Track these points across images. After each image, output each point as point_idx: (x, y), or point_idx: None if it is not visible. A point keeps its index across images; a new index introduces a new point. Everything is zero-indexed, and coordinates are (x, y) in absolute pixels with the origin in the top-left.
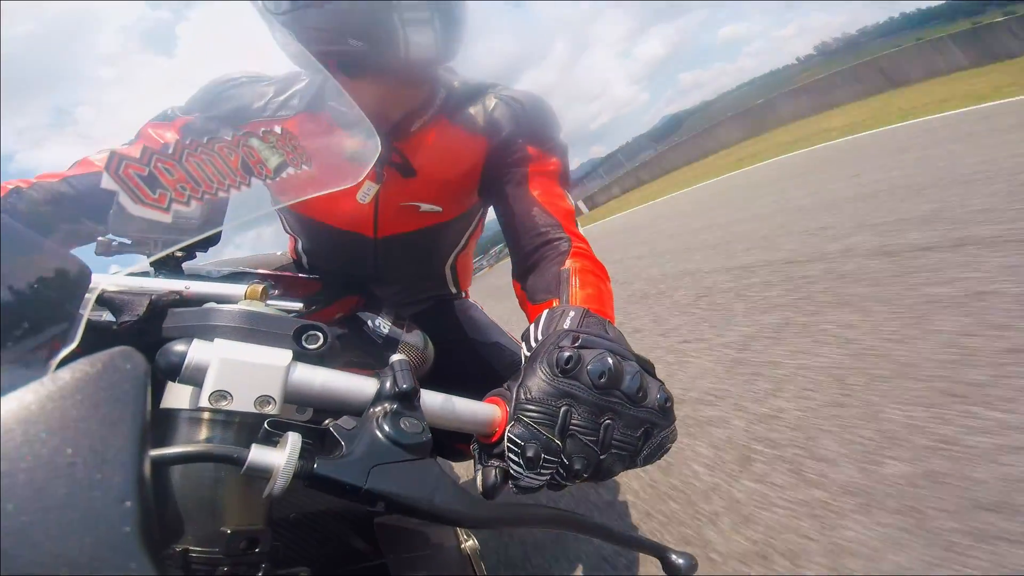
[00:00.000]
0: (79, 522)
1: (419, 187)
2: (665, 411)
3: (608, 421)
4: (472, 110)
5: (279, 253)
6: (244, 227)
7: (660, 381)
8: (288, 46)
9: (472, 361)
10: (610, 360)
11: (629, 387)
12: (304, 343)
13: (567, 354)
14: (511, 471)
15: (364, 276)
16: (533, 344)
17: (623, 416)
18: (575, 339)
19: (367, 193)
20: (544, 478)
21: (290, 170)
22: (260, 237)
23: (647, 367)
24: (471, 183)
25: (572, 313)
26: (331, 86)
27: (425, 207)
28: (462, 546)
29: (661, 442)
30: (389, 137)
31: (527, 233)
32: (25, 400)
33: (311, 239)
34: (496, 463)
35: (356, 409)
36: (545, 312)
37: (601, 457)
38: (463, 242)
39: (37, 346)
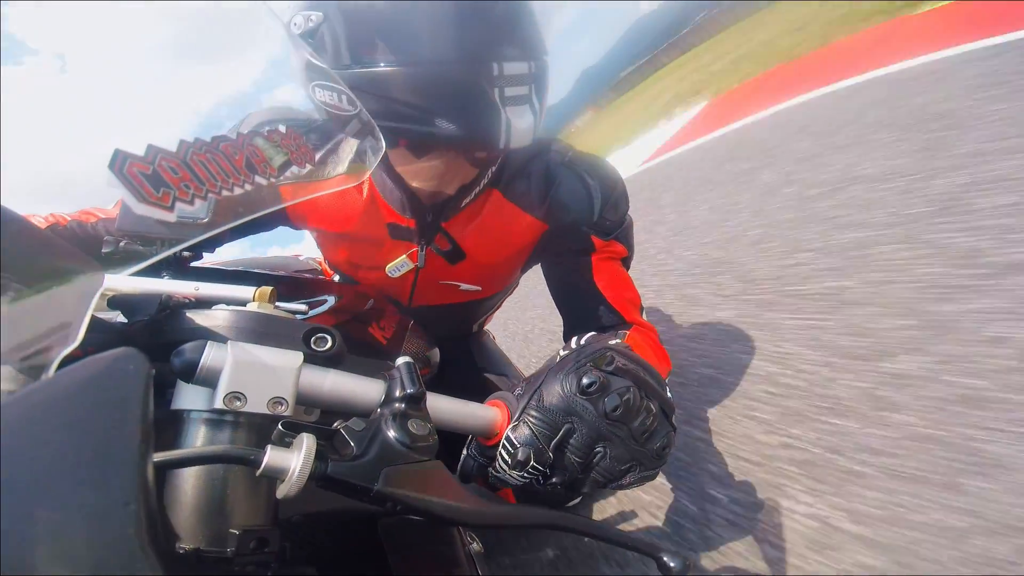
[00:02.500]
0: (82, 525)
1: (462, 268)
2: (658, 457)
3: (601, 449)
4: (530, 185)
5: (301, 257)
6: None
7: (672, 428)
8: (338, 106)
9: (470, 387)
10: (629, 396)
11: (636, 427)
12: (313, 345)
13: (591, 377)
14: (496, 465)
15: None
16: (573, 347)
17: (617, 449)
18: (610, 361)
19: (398, 268)
20: (522, 481)
21: (294, 169)
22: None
23: (666, 410)
24: (517, 263)
25: (618, 339)
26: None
27: (465, 287)
28: (466, 548)
29: (638, 480)
30: (438, 216)
31: (589, 327)
32: (27, 401)
33: (346, 281)
34: (487, 463)
35: (364, 411)
36: (594, 332)
37: (579, 476)
38: (494, 307)
39: (42, 346)
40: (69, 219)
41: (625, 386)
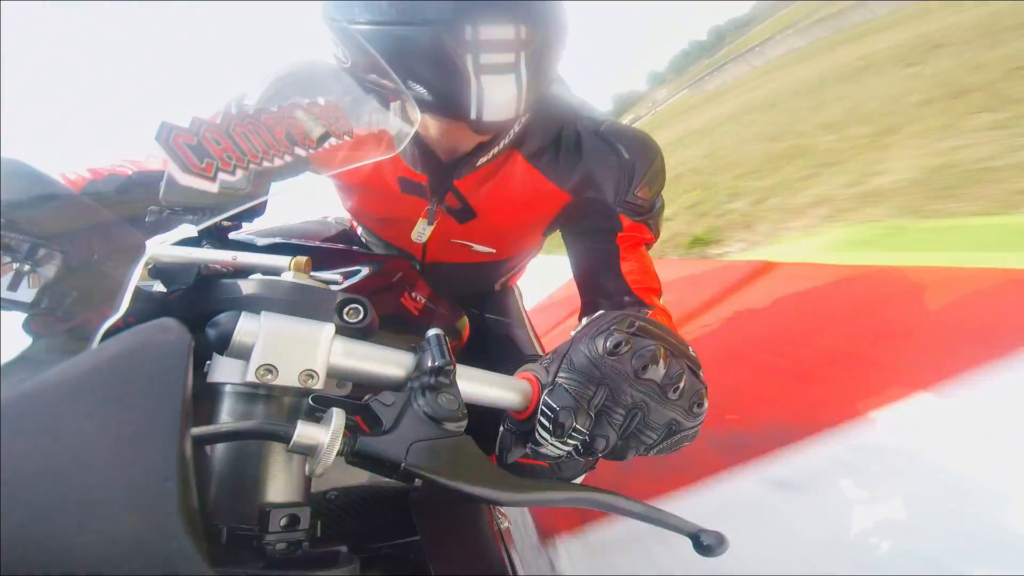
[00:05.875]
0: (122, 501)
1: (474, 229)
2: (693, 414)
3: (637, 411)
4: (559, 152)
5: (329, 218)
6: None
7: (703, 384)
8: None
9: (485, 341)
10: (656, 353)
11: (666, 383)
12: (345, 317)
13: (617, 337)
14: (536, 436)
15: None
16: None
17: (652, 410)
18: (632, 324)
19: (422, 233)
20: (566, 448)
21: (332, 140)
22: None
23: (694, 368)
24: (536, 229)
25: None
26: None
27: (478, 248)
28: (494, 523)
29: (679, 440)
30: (450, 173)
31: (608, 307)
32: (71, 372)
33: (367, 234)
34: (524, 437)
35: (395, 384)
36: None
37: (619, 442)
38: (517, 269)
39: (86, 314)
40: (106, 173)
41: (650, 345)
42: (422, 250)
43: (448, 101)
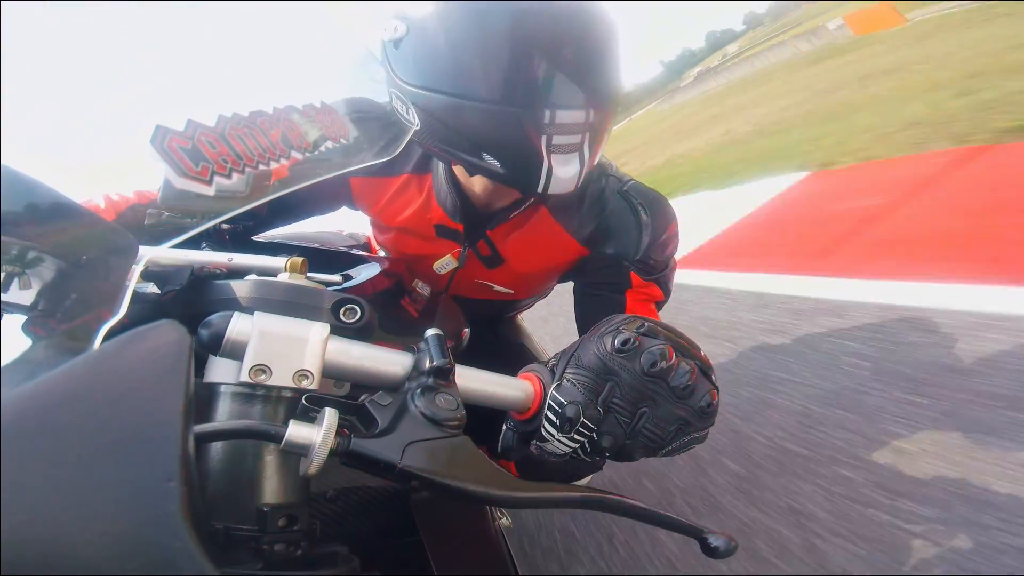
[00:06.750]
0: (124, 501)
1: (498, 272)
2: (704, 415)
3: (645, 409)
4: (581, 208)
5: (344, 232)
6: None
7: (714, 385)
8: (404, 116)
9: (492, 356)
10: (665, 351)
11: (676, 382)
12: (342, 317)
13: (626, 335)
14: (543, 432)
15: None
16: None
17: (661, 408)
18: (640, 325)
19: (444, 266)
20: (573, 446)
21: (328, 144)
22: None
23: (705, 369)
24: (553, 277)
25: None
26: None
27: (499, 288)
28: (495, 523)
29: (689, 441)
30: (484, 223)
31: None
32: (72, 374)
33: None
34: (527, 437)
35: (392, 384)
36: None
37: (627, 441)
38: (528, 305)
39: (85, 317)
40: (125, 202)
41: (660, 344)
42: (445, 285)
43: (519, 176)
